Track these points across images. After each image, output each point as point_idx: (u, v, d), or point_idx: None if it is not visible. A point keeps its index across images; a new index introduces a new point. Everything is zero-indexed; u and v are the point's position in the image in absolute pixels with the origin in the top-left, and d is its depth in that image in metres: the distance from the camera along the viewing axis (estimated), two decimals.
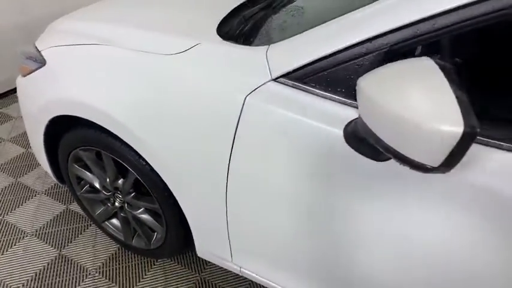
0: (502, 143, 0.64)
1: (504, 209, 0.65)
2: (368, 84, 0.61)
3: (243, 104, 0.84)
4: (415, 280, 0.81)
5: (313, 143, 0.79)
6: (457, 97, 0.49)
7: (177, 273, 1.46)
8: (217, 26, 1.05)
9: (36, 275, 1.42)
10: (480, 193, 0.65)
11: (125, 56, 1.03)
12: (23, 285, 1.39)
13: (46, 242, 1.55)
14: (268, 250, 1.04)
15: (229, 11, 1.16)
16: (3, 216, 1.67)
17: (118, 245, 1.55)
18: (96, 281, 1.42)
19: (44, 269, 1.45)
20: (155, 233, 1.39)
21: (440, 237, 0.72)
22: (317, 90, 0.79)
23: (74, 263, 1.47)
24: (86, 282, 1.41)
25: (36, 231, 1.60)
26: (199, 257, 1.46)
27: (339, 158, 0.76)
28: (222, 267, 1.40)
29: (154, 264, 1.48)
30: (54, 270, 1.44)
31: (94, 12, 1.39)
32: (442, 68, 0.54)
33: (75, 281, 1.41)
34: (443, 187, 0.68)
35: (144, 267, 1.48)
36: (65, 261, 1.48)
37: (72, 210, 1.71)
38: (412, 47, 0.69)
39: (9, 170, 1.94)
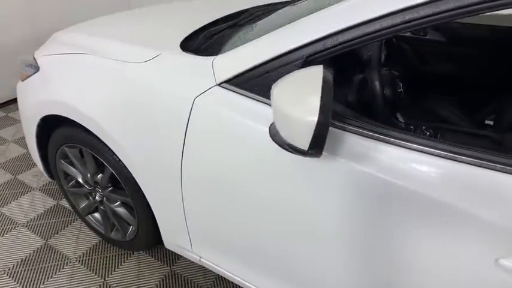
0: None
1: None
2: (275, 89, 0.74)
3: (192, 105, 0.98)
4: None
5: (249, 139, 0.92)
6: (321, 97, 0.62)
7: (150, 264, 1.58)
8: (182, 40, 1.21)
9: (22, 261, 1.56)
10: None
11: (102, 64, 1.20)
12: (9, 269, 1.53)
13: (34, 232, 1.70)
14: (222, 241, 1.16)
15: (197, 28, 1.32)
16: None
17: (99, 238, 1.68)
18: (75, 268, 1.54)
19: (30, 255, 1.59)
20: (131, 226, 1.52)
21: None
22: (252, 94, 0.92)
23: (57, 252, 1.61)
24: (66, 269, 1.54)
25: (27, 222, 1.75)
26: (171, 251, 1.58)
27: (271, 152, 0.88)
28: (192, 261, 1.51)
29: (130, 256, 1.61)
30: (38, 258, 1.58)
31: (88, 26, 1.57)
32: (324, 74, 0.68)
33: (57, 268, 1.54)
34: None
35: (121, 258, 1.60)
36: (49, 250, 1.62)
37: (62, 206, 1.86)
38: (322, 58, 0.82)
39: (10, 167, 2.12)
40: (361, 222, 0.82)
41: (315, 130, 0.60)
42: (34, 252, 1.60)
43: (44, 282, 1.48)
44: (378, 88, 1.06)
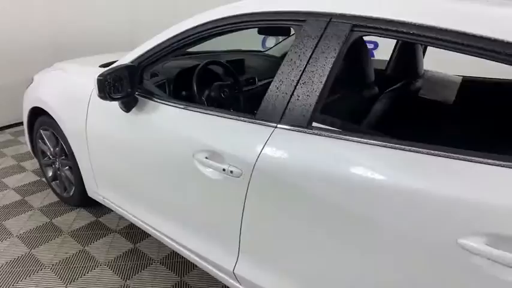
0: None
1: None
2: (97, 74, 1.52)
3: (91, 93, 1.78)
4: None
5: (110, 110, 1.67)
6: (110, 70, 1.39)
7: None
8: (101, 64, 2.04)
9: None
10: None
11: (61, 76, 2.06)
12: None
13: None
14: (117, 185, 1.85)
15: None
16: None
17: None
18: None
19: None
20: (73, 186, 2.26)
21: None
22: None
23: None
24: None
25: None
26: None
27: (120, 112, 1.62)
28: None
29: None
30: None
31: (78, 59, 2.49)
32: (124, 67, 1.45)
33: None
34: None
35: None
36: None
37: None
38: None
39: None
40: (165, 154, 1.49)
41: (97, 82, 1.37)
42: None
43: None
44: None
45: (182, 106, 1.44)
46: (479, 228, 0.82)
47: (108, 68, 1.47)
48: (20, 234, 2.10)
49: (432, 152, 0.91)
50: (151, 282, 1.80)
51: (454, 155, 0.88)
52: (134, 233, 2.15)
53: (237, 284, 1.41)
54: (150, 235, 1.85)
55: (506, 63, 0.88)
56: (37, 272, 1.82)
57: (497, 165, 0.83)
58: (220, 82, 1.92)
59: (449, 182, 0.88)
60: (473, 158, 0.86)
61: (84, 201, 2.24)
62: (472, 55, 0.92)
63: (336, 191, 1.03)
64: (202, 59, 2.08)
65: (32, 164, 2.91)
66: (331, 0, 1.16)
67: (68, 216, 2.29)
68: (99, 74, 1.42)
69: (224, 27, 1.37)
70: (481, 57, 0.90)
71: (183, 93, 1.88)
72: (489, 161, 0.84)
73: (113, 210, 2.02)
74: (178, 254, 1.71)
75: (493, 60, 0.90)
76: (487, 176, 0.85)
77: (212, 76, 2.01)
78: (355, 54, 1.45)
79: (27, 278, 1.79)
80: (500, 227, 0.80)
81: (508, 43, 0.86)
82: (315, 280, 1.17)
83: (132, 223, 1.99)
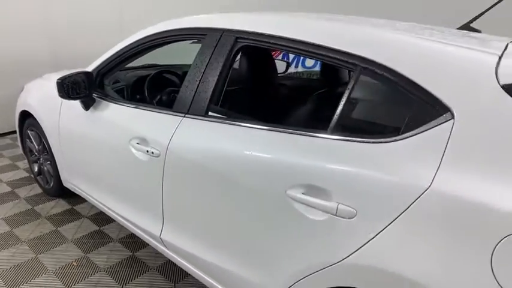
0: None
1: None
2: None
3: None
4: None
5: (74, 108, 2.03)
6: (69, 76, 1.76)
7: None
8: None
9: None
10: None
11: (44, 84, 2.45)
12: None
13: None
14: (81, 173, 2.20)
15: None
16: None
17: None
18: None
19: None
20: (53, 178, 2.61)
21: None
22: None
23: None
24: None
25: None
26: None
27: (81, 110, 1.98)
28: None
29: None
30: None
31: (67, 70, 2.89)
32: (83, 73, 1.82)
33: None
34: None
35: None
36: None
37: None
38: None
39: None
40: (111, 143, 1.85)
41: (57, 84, 1.73)
42: None
43: None
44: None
45: (126, 104, 1.80)
46: (298, 182, 1.12)
47: (67, 74, 1.84)
48: (5, 217, 2.46)
49: (283, 130, 1.21)
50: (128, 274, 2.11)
51: (297, 131, 1.19)
52: (102, 218, 2.48)
53: (164, 248, 1.71)
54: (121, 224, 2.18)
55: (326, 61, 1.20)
56: (14, 246, 2.16)
57: (310, 136, 1.14)
58: (172, 88, 2.27)
59: (286, 151, 1.18)
60: (305, 132, 1.16)
61: (61, 191, 2.59)
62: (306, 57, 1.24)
63: (222, 162, 1.34)
64: (160, 70, 2.45)
65: (25, 163, 3.29)
66: (223, 19, 1.51)
67: (47, 205, 2.64)
68: (58, 78, 1.79)
69: (157, 40, 1.73)
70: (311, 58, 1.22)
71: (137, 96, 2.24)
72: (312, 134, 1.14)
73: (84, 199, 2.36)
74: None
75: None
76: (297, 142, 1.16)
77: (168, 83, 2.37)
78: (244, 59, 1.81)
79: (4, 250, 2.12)
80: (310, 180, 1.10)
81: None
82: (213, 234, 1.46)
83: (99, 209, 2.33)
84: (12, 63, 3.94)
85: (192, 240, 1.55)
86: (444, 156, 0.92)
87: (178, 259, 1.67)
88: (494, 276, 0.81)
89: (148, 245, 2.05)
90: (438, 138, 0.94)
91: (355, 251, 1.01)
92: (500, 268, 0.81)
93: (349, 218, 1.02)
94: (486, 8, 1.48)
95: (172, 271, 2.04)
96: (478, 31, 1.47)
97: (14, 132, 4.10)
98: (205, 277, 1.55)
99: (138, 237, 1.96)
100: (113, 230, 2.36)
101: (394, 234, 0.95)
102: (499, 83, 0.91)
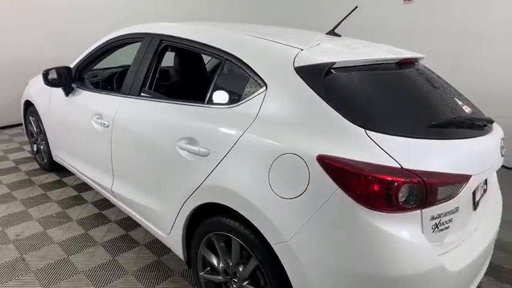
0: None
1: None
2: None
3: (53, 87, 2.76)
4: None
5: (59, 97, 2.63)
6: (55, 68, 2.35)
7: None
8: None
9: None
10: None
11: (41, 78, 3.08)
12: None
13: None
14: (63, 147, 2.79)
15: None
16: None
17: None
18: None
19: None
20: (46, 155, 3.21)
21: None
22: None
23: None
24: None
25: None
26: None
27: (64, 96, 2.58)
28: None
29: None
30: None
31: None
32: (64, 68, 2.42)
33: None
34: None
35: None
36: None
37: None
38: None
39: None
40: (80, 121, 2.43)
41: (42, 75, 2.33)
42: None
43: None
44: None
45: (93, 91, 2.39)
46: (183, 136, 1.65)
47: (52, 67, 2.44)
48: (7, 183, 3.08)
49: (177, 103, 1.75)
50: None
51: (185, 103, 1.72)
52: (82, 187, 3.06)
53: (114, 198, 2.26)
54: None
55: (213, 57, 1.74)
56: (9, 202, 2.76)
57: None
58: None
59: (178, 116, 1.71)
60: (189, 103, 1.70)
61: (53, 165, 3.19)
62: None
63: (143, 127, 1.88)
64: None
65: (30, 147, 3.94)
66: (152, 26, 2.08)
67: (41, 177, 3.25)
68: (44, 69, 2.39)
69: (115, 43, 2.32)
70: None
71: (108, 87, 2.83)
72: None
73: (70, 172, 2.95)
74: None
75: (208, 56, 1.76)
76: (185, 110, 1.70)
77: None
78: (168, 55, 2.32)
79: (2, 205, 2.72)
80: (189, 134, 1.62)
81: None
82: (139, 181, 2.00)
83: (76, 175, 2.91)
84: (23, 65, 4.65)
85: (129, 189, 2.10)
86: (259, 113, 1.43)
87: (124, 206, 2.21)
88: (269, 181, 1.31)
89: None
90: (257, 102, 1.45)
91: (208, 176, 1.52)
92: (271, 175, 1.31)
93: (205, 156, 1.54)
94: (342, 17, 1.98)
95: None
96: (338, 35, 1.97)
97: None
98: (137, 215, 2.09)
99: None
100: (91, 202, 2.93)
101: (227, 164, 1.46)
102: (294, 66, 1.42)
